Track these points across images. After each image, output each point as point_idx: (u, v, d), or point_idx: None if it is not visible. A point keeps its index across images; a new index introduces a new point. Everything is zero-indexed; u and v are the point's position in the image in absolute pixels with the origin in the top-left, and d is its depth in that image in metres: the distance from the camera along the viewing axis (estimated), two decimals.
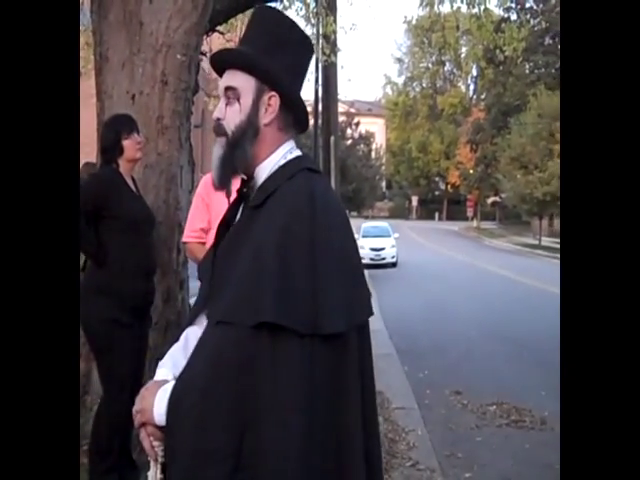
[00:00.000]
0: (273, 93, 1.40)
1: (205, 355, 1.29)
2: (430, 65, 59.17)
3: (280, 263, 1.26)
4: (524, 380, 6.17)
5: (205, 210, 3.21)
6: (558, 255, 25.15)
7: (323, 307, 1.26)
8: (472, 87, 58.41)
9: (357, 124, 43.45)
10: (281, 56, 1.40)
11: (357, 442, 1.32)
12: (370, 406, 1.42)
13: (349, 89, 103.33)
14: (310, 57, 1.51)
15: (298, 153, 1.46)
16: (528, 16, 40.81)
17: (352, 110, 42.76)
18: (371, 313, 1.41)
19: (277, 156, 1.43)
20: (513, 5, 41.23)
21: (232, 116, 1.42)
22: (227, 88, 1.43)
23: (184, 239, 3.33)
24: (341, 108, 25.52)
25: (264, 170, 1.43)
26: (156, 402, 1.30)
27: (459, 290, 14.04)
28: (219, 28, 6.96)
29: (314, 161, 1.58)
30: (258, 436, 1.22)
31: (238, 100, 1.41)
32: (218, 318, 1.31)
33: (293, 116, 1.45)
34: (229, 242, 1.42)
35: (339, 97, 16.42)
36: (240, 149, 1.41)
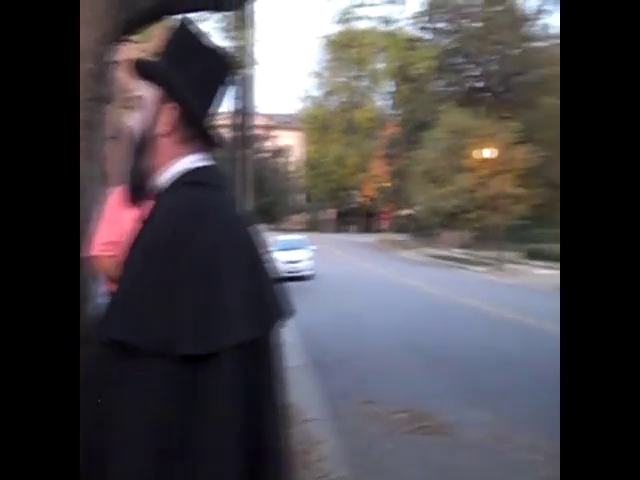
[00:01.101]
0: (173, 104, 1.41)
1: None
2: (347, 80, 60.21)
3: (134, 281, 1.28)
4: (433, 387, 6.38)
5: (115, 223, 3.17)
6: (467, 266, 26.10)
7: (177, 327, 1.22)
8: (387, 102, 59.90)
9: (275, 137, 43.59)
10: (187, 68, 1.41)
11: (226, 460, 1.25)
12: (271, 422, 1.38)
13: (267, 102, 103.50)
14: (222, 71, 1.50)
15: (198, 166, 1.43)
16: (441, 36, 42.52)
17: (270, 123, 42.86)
18: (257, 333, 1.33)
19: (175, 169, 1.42)
20: (428, 25, 42.85)
21: (137, 125, 1.44)
22: (137, 97, 1.47)
23: (93, 252, 3.26)
24: (259, 121, 25.53)
25: (160, 183, 1.42)
26: None
27: (373, 301, 14.32)
28: (134, 37, 6.86)
29: (214, 174, 1.48)
30: (111, 455, 1.23)
31: (143, 110, 1.43)
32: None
33: (196, 129, 1.44)
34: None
35: (257, 110, 16.48)
36: (137, 159, 1.42)
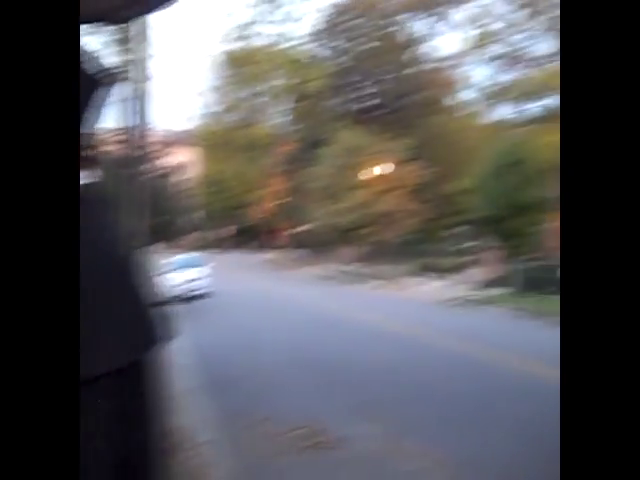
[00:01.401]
0: None
1: None
2: (245, 96, 60.27)
3: None
4: (329, 403, 6.49)
5: None
6: (363, 280, 26.69)
7: None
8: (285, 119, 60.46)
9: (171, 154, 42.84)
10: None
11: None
12: (148, 450, 1.37)
13: (163, 118, 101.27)
14: (99, 87, 1.47)
15: None
16: (336, 54, 43.64)
17: (166, 139, 42.05)
18: (131, 358, 1.35)
19: None
20: (324, 43, 43.90)
21: None
22: None
23: None
24: (154, 138, 25.02)
25: None
26: None
27: (270, 318, 14.34)
28: None
29: (91, 192, 1.49)
30: None
31: None
32: None
33: None
34: None
35: (152, 126, 16.15)
36: None
